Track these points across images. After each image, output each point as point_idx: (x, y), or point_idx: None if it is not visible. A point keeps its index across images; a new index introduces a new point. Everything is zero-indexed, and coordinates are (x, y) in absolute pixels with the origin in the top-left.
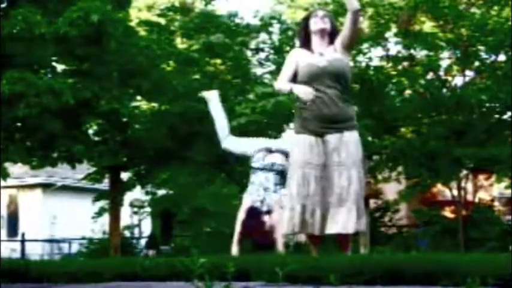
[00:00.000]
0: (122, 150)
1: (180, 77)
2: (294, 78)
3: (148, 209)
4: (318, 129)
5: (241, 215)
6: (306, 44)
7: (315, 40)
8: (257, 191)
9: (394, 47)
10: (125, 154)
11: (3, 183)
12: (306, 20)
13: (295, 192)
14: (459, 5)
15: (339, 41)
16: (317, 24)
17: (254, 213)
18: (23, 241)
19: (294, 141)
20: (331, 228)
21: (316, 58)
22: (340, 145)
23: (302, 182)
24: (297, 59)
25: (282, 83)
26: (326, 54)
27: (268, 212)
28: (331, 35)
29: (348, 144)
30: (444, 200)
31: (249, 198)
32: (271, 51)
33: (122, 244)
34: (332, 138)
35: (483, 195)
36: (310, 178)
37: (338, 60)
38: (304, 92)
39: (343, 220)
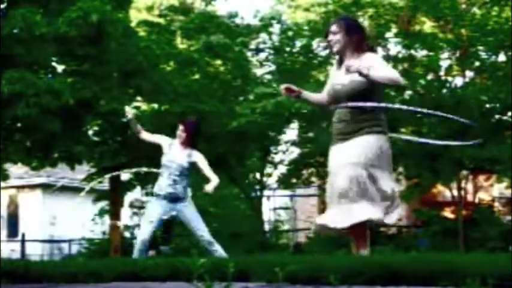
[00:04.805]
0: (122, 151)
1: (180, 78)
2: None
3: None
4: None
5: None
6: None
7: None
8: None
9: (394, 47)
10: (125, 155)
11: (3, 184)
12: None
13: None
14: (459, 5)
15: (370, 64)
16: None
17: None
18: (23, 241)
19: None
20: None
21: (337, 78)
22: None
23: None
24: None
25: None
26: (343, 75)
27: None
28: (356, 44)
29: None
30: (444, 201)
31: None
32: (271, 52)
33: (122, 244)
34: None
35: (483, 196)
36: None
37: (350, 82)
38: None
39: None
